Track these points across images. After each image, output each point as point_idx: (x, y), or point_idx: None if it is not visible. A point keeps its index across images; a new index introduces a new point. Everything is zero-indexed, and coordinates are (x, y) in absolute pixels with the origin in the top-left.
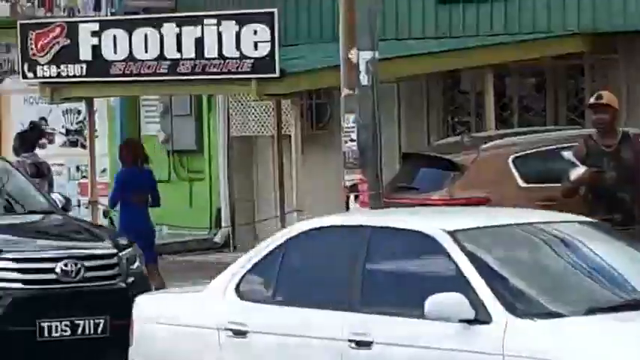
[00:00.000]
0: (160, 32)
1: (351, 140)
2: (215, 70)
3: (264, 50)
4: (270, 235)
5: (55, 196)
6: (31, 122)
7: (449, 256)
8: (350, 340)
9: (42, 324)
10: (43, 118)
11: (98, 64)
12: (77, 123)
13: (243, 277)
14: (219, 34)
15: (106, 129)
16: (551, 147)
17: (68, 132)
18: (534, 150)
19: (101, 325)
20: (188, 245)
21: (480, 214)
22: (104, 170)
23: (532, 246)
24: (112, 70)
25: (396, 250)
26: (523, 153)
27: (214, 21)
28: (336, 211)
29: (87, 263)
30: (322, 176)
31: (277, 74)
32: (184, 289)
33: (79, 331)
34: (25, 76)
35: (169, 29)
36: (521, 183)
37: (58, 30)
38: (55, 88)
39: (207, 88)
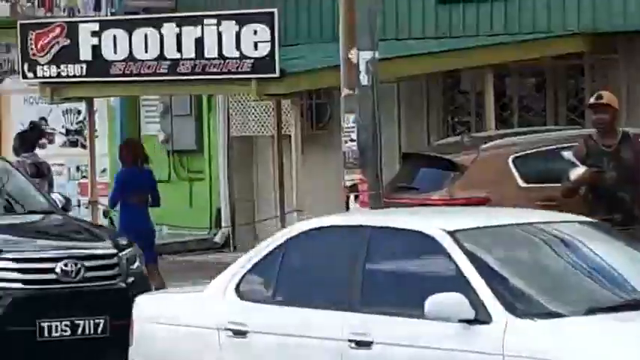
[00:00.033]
0: (160, 32)
1: (351, 140)
2: (215, 70)
3: (264, 50)
4: (270, 235)
5: (55, 196)
6: (31, 122)
7: (449, 256)
8: (350, 340)
9: (42, 324)
10: (43, 118)
11: (98, 64)
12: (77, 123)
13: (243, 277)
14: (219, 34)
15: (106, 129)
16: (551, 147)
17: (68, 132)
18: (534, 150)
19: (101, 325)
20: (188, 245)
21: (479, 214)
22: (104, 170)
23: (532, 246)
24: (112, 70)
25: (395, 250)
26: (523, 153)
27: (214, 21)
28: (336, 211)
29: (87, 263)
30: (322, 176)
31: (277, 74)
32: (184, 289)
33: (79, 331)
34: (25, 76)
35: (169, 29)
36: (521, 183)
37: (58, 30)
38: (55, 88)
39: (207, 88)
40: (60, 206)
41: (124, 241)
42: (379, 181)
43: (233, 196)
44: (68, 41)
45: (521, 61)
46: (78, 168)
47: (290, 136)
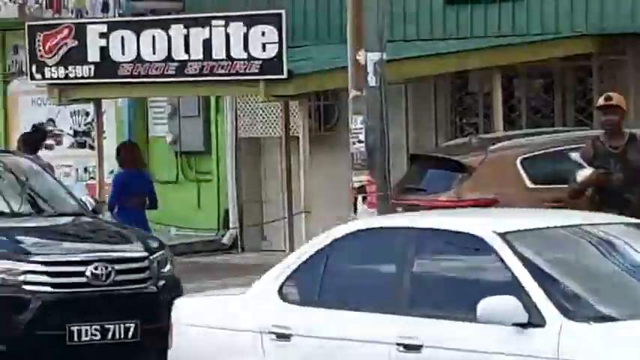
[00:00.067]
0: (167, 34)
1: (359, 141)
2: (223, 71)
3: (271, 51)
4: (277, 236)
5: (84, 198)
6: (34, 125)
7: (500, 258)
8: (398, 344)
9: (72, 328)
10: (51, 120)
11: (106, 66)
12: (85, 124)
13: (286, 279)
14: (227, 36)
15: (114, 130)
16: (559, 148)
17: (76, 133)
18: (542, 151)
19: (131, 330)
20: (195, 246)
21: (526, 216)
22: (112, 171)
23: (581, 248)
24: (120, 71)
25: (444, 252)
26: (531, 154)
27: (222, 22)
28: (344, 213)
29: (117, 266)
30: (330, 177)
31: (285, 75)
32: (224, 291)
33: (109, 335)
34: (33, 78)
35: (177, 31)
36: (529, 184)
37: (65, 31)
38: (62, 90)
39: (214, 90)
40: (90, 208)
41: (155, 244)
42: (387, 182)
43: (241, 197)
44: (76, 42)
45: (529, 63)
46: (86, 169)
47: (298, 137)
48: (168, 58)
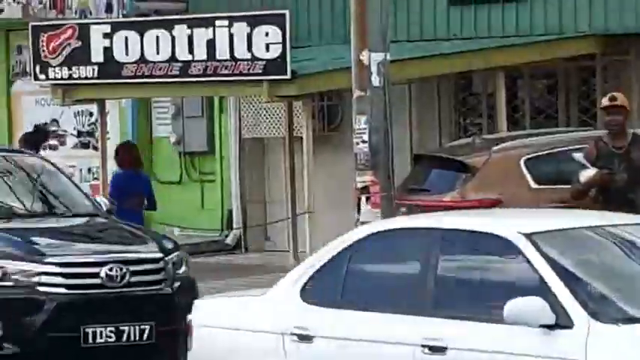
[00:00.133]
0: (171, 34)
1: (363, 142)
2: (226, 71)
3: (275, 52)
4: (280, 237)
5: (99, 198)
6: (35, 125)
7: (526, 259)
8: (423, 346)
9: (86, 330)
10: (54, 120)
11: (110, 66)
12: (89, 125)
13: (308, 280)
14: (231, 36)
15: (118, 131)
16: (563, 148)
17: (80, 134)
18: (546, 151)
19: (147, 332)
20: (199, 247)
21: (551, 216)
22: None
23: (607, 249)
24: (124, 71)
25: (469, 252)
26: (535, 154)
27: (226, 22)
28: (348, 213)
29: (132, 268)
30: (334, 178)
31: (289, 76)
32: (244, 292)
33: (124, 337)
34: (36, 78)
35: (181, 31)
36: (532, 184)
37: (69, 32)
38: (66, 90)
39: (218, 90)
40: (104, 209)
41: (170, 245)
42: (391, 182)
43: (244, 197)
44: (80, 43)
45: (533, 63)
46: (89, 170)
47: (301, 137)
48: (172, 59)
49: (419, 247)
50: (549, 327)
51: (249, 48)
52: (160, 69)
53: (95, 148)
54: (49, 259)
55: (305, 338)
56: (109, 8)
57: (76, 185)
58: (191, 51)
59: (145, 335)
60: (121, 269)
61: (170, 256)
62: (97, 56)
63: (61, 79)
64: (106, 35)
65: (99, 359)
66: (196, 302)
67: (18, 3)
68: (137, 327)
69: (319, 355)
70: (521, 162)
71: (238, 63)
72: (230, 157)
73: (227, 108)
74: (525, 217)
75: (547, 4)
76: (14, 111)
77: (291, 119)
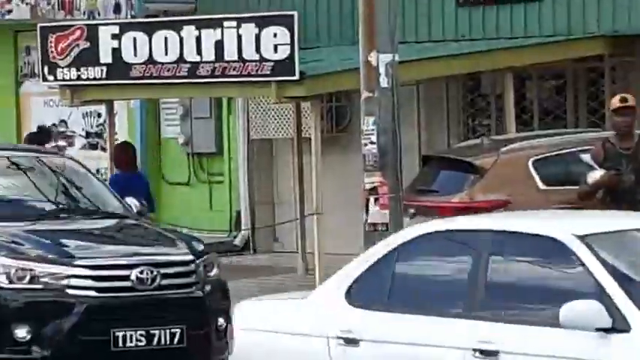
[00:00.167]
0: (179, 35)
1: (371, 143)
2: (235, 72)
3: (283, 53)
4: (288, 238)
5: (129, 200)
6: (39, 126)
7: (580, 261)
8: (474, 349)
9: (117, 333)
10: (63, 121)
11: (118, 67)
12: (97, 126)
13: (353, 282)
14: (239, 37)
15: (126, 132)
16: (571, 149)
17: (88, 135)
18: (554, 152)
19: (177, 335)
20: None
21: (600, 218)
22: None
23: None
24: (132, 72)
25: (521, 255)
26: (543, 155)
27: (234, 23)
28: (356, 214)
29: (163, 270)
30: (342, 179)
31: (297, 77)
32: (285, 295)
33: (155, 341)
34: (45, 79)
35: (189, 32)
36: (541, 185)
37: (78, 33)
38: (75, 91)
39: (226, 91)
40: (135, 210)
41: (200, 247)
42: (399, 183)
43: (253, 198)
44: (88, 44)
45: (541, 64)
46: (98, 170)
47: (310, 138)
48: (180, 60)
49: (469, 249)
50: (605, 331)
51: (258, 49)
52: (168, 70)
53: (103, 149)
54: (79, 262)
55: (351, 342)
56: (117, 9)
57: (106, 186)
58: (199, 52)
59: (176, 339)
60: (152, 272)
61: (201, 259)
62: (106, 57)
63: (70, 79)
64: (114, 36)
65: None
66: (237, 305)
67: (26, 4)
68: (168, 331)
69: (366, 358)
70: (530, 163)
71: (246, 64)
72: (238, 158)
73: (235, 109)
74: (577, 218)
75: (555, 5)
76: (23, 112)
77: (299, 120)
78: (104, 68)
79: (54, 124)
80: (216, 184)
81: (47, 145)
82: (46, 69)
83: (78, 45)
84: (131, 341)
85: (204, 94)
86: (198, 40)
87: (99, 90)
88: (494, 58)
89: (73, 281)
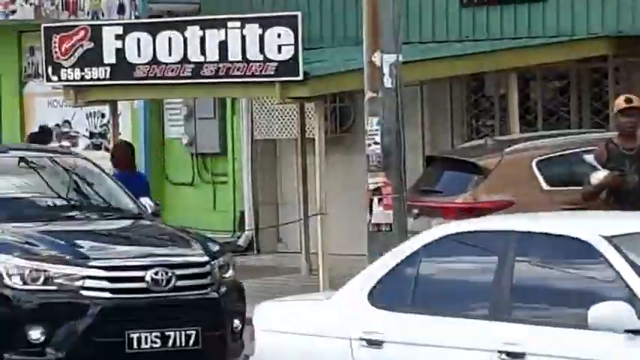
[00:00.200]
0: (183, 35)
1: (375, 143)
2: (239, 73)
3: (287, 53)
4: (292, 238)
5: (144, 200)
6: (40, 126)
7: (608, 262)
8: (500, 351)
9: (131, 335)
10: (66, 121)
11: (122, 67)
12: (101, 126)
13: (377, 283)
14: (243, 37)
15: (130, 132)
16: (575, 150)
17: (92, 135)
18: (558, 153)
19: (193, 337)
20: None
21: (625, 219)
22: None
23: None
24: (136, 73)
25: (547, 256)
26: (547, 156)
27: (238, 24)
28: (360, 215)
29: (178, 272)
30: (346, 179)
31: (301, 77)
32: (307, 296)
33: (170, 343)
34: (49, 79)
35: (193, 32)
36: (545, 186)
37: (81, 33)
38: (78, 91)
39: (230, 91)
40: (149, 211)
41: (216, 248)
42: (403, 184)
43: (257, 199)
44: (92, 44)
45: (545, 64)
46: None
47: (313, 139)
48: (184, 60)
49: (494, 250)
50: (634, 332)
51: (262, 49)
52: (172, 70)
53: (107, 150)
54: (94, 263)
55: (374, 343)
56: (121, 9)
57: (120, 187)
58: (203, 52)
59: (191, 341)
60: (167, 273)
61: (216, 260)
62: (110, 57)
63: (74, 80)
64: (118, 36)
65: None
66: (258, 306)
67: (30, 4)
68: (183, 332)
69: None
70: (534, 164)
71: (250, 64)
72: (242, 159)
73: (239, 109)
74: (603, 219)
75: (559, 5)
76: (26, 112)
77: (303, 121)
78: (108, 69)
79: (57, 125)
80: (219, 185)
81: (49, 145)
82: (49, 69)
83: (82, 45)
84: (146, 343)
85: (208, 95)
86: (202, 40)
87: (103, 90)
88: (497, 59)
89: (88, 282)
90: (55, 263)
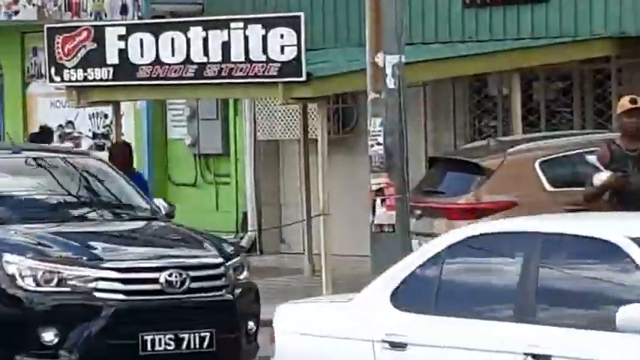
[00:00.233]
0: (186, 36)
1: (378, 144)
2: (241, 73)
3: (290, 54)
4: (295, 239)
5: (158, 201)
6: (41, 126)
7: (635, 263)
8: (526, 354)
9: (145, 337)
10: (69, 122)
11: (125, 68)
12: (104, 127)
13: (399, 285)
14: (246, 38)
15: (133, 133)
16: (577, 151)
17: (95, 135)
18: (561, 154)
19: (207, 339)
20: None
21: None
22: None
23: None
24: (139, 73)
25: (573, 257)
26: (550, 157)
27: (241, 25)
28: (363, 215)
29: (192, 273)
30: (348, 180)
31: (304, 78)
32: (328, 298)
33: (184, 345)
34: (52, 80)
35: (196, 33)
36: (547, 187)
37: (84, 34)
38: (81, 92)
39: (233, 92)
40: (163, 212)
41: (230, 250)
42: (406, 184)
43: (259, 199)
44: (95, 45)
45: (548, 65)
46: None
47: (316, 139)
48: (187, 61)
49: (519, 251)
50: None
51: (264, 50)
52: (174, 71)
53: None
54: (107, 264)
55: (397, 346)
56: (124, 10)
57: (134, 187)
58: (206, 53)
59: (205, 343)
60: (181, 275)
61: (231, 262)
62: (112, 58)
63: (76, 80)
64: (121, 37)
65: None
66: (278, 308)
67: (33, 5)
68: (197, 334)
69: None
70: (536, 164)
71: (253, 65)
72: (245, 160)
73: (242, 110)
74: (628, 220)
75: (562, 6)
76: (29, 113)
77: (305, 121)
78: (111, 69)
79: (60, 125)
80: (222, 185)
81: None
82: (52, 70)
83: (85, 46)
84: (160, 345)
85: (211, 95)
86: (205, 41)
87: (105, 91)
88: (500, 60)
89: (101, 284)
90: (69, 265)
